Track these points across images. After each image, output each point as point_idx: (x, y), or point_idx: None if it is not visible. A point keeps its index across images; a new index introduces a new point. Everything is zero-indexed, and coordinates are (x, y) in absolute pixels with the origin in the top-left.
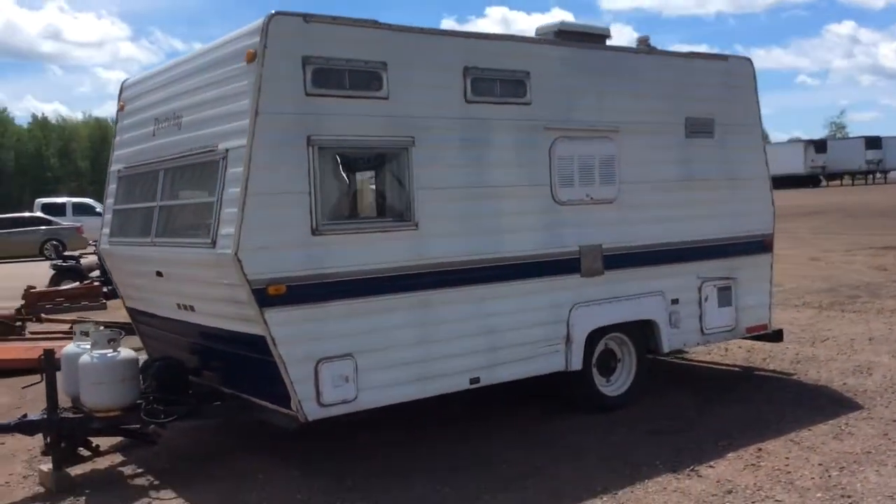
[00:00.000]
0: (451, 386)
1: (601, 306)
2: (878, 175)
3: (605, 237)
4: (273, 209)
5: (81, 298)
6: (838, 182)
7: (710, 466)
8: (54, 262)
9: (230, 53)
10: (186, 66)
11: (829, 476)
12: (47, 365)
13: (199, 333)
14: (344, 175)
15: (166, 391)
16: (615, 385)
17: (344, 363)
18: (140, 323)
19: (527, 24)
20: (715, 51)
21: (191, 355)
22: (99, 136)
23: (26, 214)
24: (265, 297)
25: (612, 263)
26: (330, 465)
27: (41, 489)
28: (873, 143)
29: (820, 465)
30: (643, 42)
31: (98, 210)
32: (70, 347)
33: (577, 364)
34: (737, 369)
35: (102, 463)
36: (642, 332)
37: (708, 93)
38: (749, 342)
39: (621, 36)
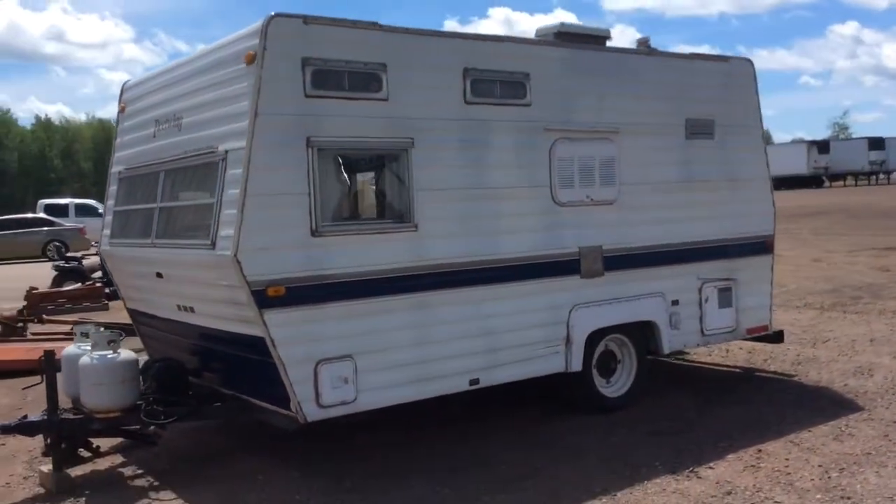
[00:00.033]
0: (450, 387)
1: (601, 307)
2: (882, 176)
3: (605, 238)
4: (272, 210)
5: (83, 299)
6: (841, 183)
7: (710, 468)
8: (56, 263)
9: (230, 55)
10: (186, 68)
11: (829, 477)
12: (47, 366)
13: (199, 335)
14: (343, 176)
15: (166, 392)
16: (615, 386)
17: (343, 364)
18: (141, 324)
19: (530, 24)
20: (717, 52)
21: (191, 356)
22: (102, 137)
23: (29, 215)
24: (264, 298)
25: (612, 265)
26: (329, 466)
27: (41, 490)
28: (876, 143)
29: (820, 466)
30: (643, 43)
31: (101, 211)
32: (70, 348)
33: (577, 365)
34: (737, 370)
35: (103, 464)
36: (642, 334)
37: (708, 94)
38: (750, 343)
39: (624, 37)
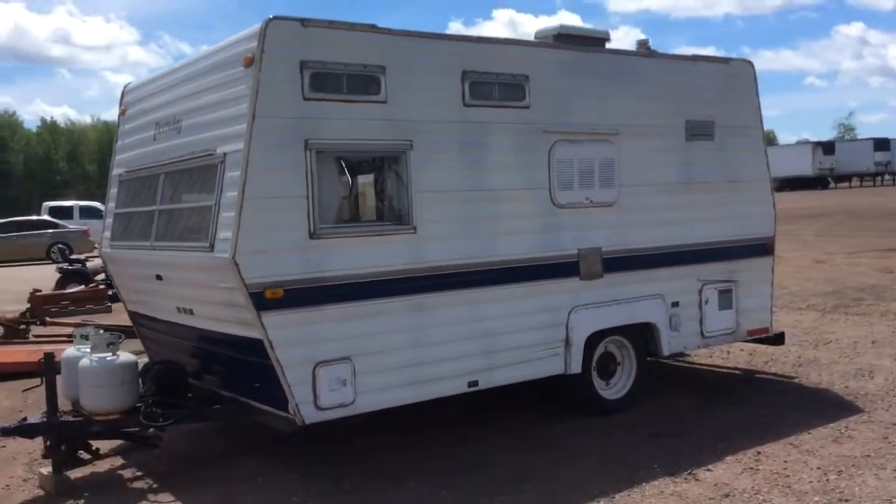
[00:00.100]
0: (449, 389)
1: (600, 309)
2: (887, 177)
3: (604, 240)
4: (271, 213)
5: (86, 302)
6: (847, 184)
7: (708, 470)
8: (60, 265)
9: (228, 58)
10: (186, 71)
11: (828, 480)
12: (47, 368)
13: (199, 337)
14: (342, 179)
15: (166, 394)
16: (615, 388)
17: (342, 367)
18: (141, 326)
19: (534, 26)
20: (722, 53)
21: (190, 359)
22: (107, 139)
23: (33, 218)
24: (263, 300)
25: (611, 266)
26: (328, 468)
27: (41, 492)
28: (882, 144)
29: (818, 468)
30: (643, 45)
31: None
32: (70, 351)
33: (576, 367)
34: (738, 372)
35: (102, 466)
36: (642, 335)
37: (708, 95)
38: (751, 345)
39: (629, 38)
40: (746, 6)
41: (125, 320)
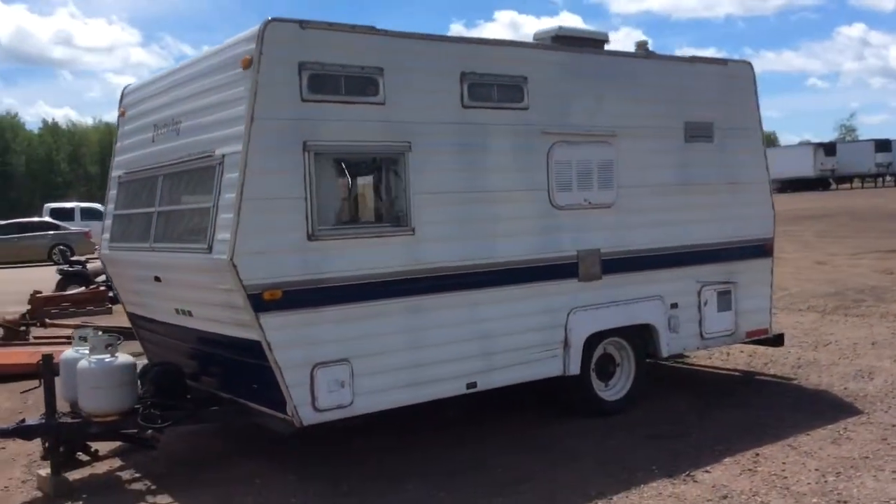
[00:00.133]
0: (448, 391)
1: (599, 311)
2: (888, 178)
3: (603, 241)
4: (269, 214)
5: (87, 303)
6: (848, 185)
7: (707, 471)
8: (61, 266)
9: (227, 59)
10: (185, 73)
11: (826, 481)
12: (45, 370)
13: (197, 338)
14: (340, 180)
15: (164, 396)
16: (614, 390)
17: (340, 368)
18: (140, 328)
19: (535, 27)
20: (724, 54)
21: (189, 360)
22: (109, 141)
23: (35, 219)
24: (261, 302)
25: (610, 268)
26: (326, 469)
27: (39, 494)
28: (883, 145)
29: (817, 470)
30: (641, 46)
31: None
32: (68, 352)
33: (574, 369)
34: (738, 374)
35: (101, 468)
36: (641, 337)
37: (707, 97)
38: (751, 346)
39: (630, 39)
40: (747, 7)
41: (125, 322)
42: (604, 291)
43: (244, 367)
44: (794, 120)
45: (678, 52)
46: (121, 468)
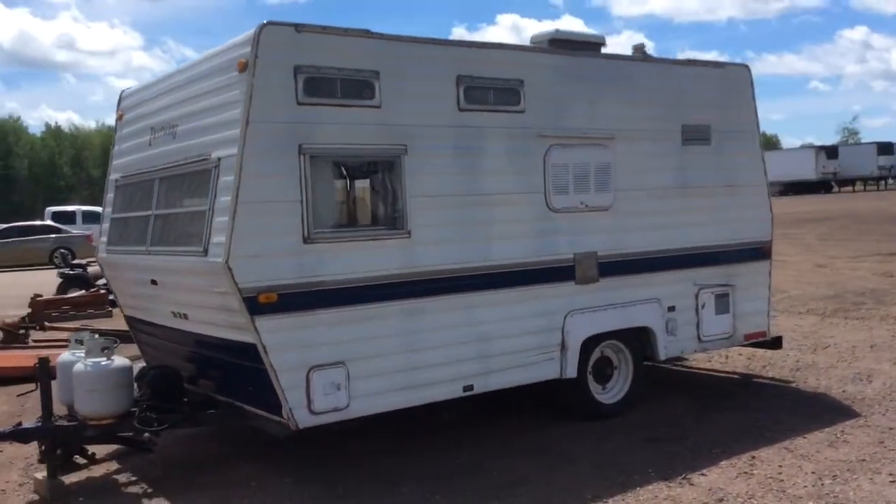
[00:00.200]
0: (444, 394)
1: (596, 314)
2: (891, 181)
3: (600, 244)
4: (264, 217)
5: (87, 306)
6: (850, 188)
7: (703, 474)
8: (61, 270)
9: (223, 63)
10: (182, 76)
11: (822, 484)
12: (42, 373)
13: (194, 341)
14: (336, 183)
15: (161, 399)
16: (611, 392)
17: (336, 371)
18: (137, 331)
19: (537, 31)
20: (726, 57)
21: (186, 363)
22: (111, 144)
23: (36, 223)
24: (256, 305)
25: (607, 271)
26: (321, 472)
27: (36, 497)
28: (885, 148)
29: (813, 472)
30: (638, 49)
31: None
32: (65, 356)
33: (572, 372)
34: (736, 376)
35: (98, 471)
36: (638, 340)
37: (704, 100)
38: (749, 349)
39: (632, 43)
40: (750, 10)
41: (124, 325)
42: (601, 294)
43: (240, 370)
44: (796, 123)
45: (680, 56)
46: (117, 471)
